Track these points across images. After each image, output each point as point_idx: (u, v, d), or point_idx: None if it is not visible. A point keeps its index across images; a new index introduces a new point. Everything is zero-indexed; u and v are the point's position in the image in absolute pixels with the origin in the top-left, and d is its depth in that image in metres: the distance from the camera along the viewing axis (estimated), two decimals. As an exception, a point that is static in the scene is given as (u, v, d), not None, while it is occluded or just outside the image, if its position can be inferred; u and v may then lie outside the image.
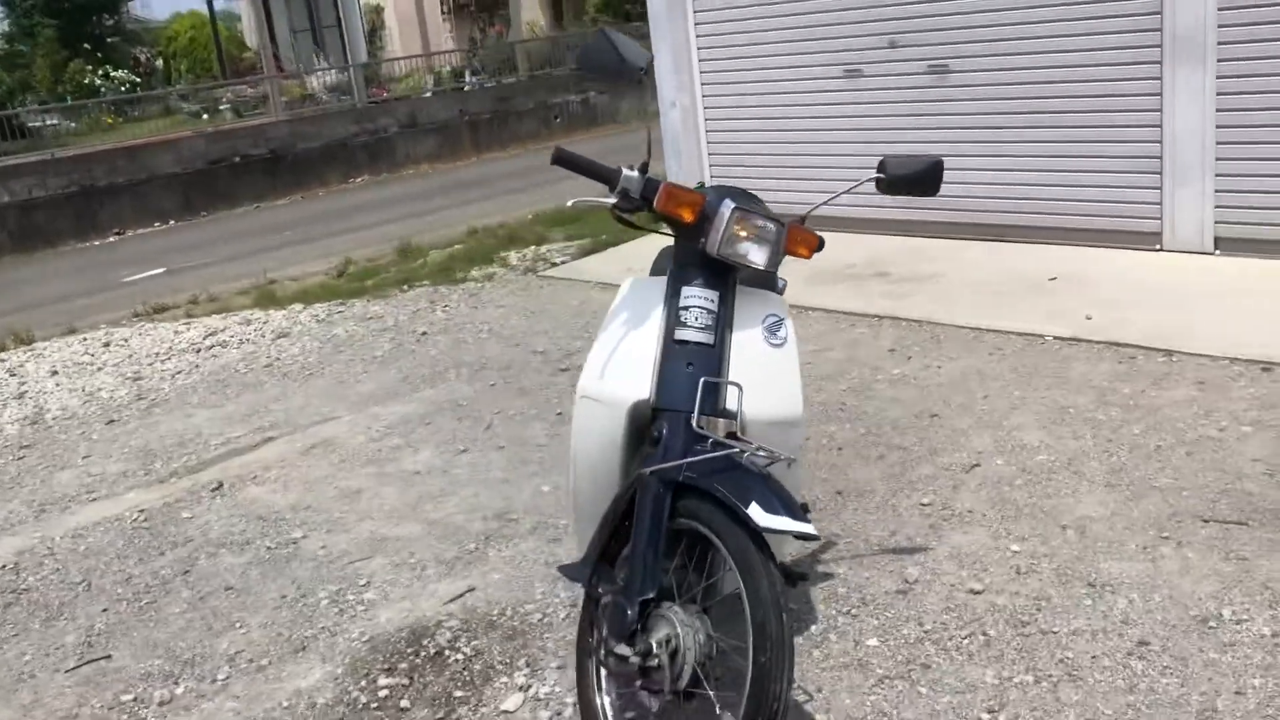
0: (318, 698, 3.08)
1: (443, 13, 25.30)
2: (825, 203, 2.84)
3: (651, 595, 2.43)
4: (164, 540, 4.21)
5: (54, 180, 14.94)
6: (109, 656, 3.43)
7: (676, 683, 2.38)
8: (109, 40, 31.50)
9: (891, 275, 6.55)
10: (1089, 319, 5.32)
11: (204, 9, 26.27)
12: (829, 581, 3.34)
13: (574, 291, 7.13)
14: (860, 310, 5.93)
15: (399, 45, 24.06)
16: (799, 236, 2.71)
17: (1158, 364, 4.72)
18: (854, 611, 3.17)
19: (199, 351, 6.89)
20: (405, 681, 3.10)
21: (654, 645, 2.38)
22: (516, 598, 3.46)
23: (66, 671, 3.38)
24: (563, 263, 8.06)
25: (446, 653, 3.21)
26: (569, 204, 2.65)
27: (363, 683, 3.12)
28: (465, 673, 3.11)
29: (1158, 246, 6.29)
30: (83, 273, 12.13)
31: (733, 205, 2.55)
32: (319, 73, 21.58)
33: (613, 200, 2.59)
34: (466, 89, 20.14)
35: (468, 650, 3.21)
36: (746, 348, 2.63)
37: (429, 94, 20.03)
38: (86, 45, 29.37)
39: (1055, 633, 2.96)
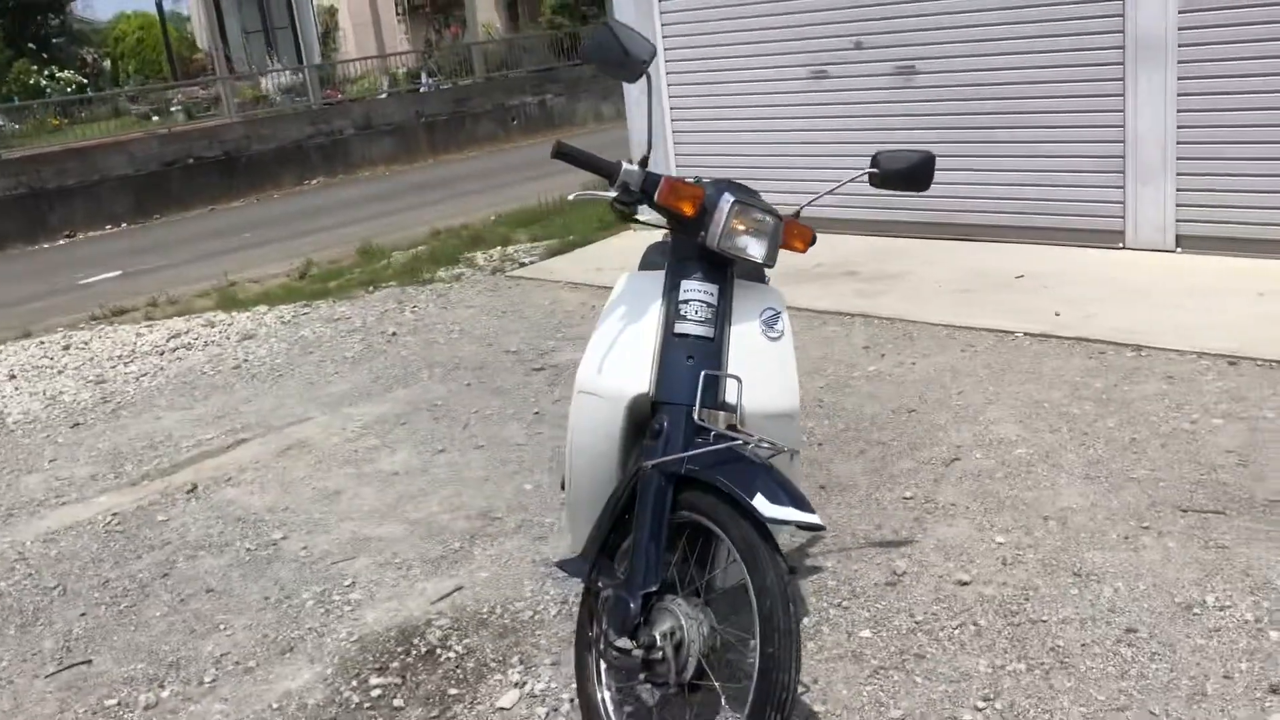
0: (308, 698, 3.05)
1: (397, 14, 25.13)
2: (819, 198, 2.87)
3: (654, 588, 2.43)
4: (140, 543, 4.14)
5: (1, 182, 14.64)
6: (89, 661, 3.37)
7: (681, 675, 2.38)
8: (54, 41, 30.92)
9: (860, 274, 6.61)
10: (1058, 316, 5.40)
11: (150, 9, 25.92)
12: (818, 574, 3.36)
13: (544, 292, 7.12)
14: (832, 309, 5.98)
15: (353, 47, 23.85)
16: (795, 230, 2.74)
17: (1127, 359, 4.80)
18: (845, 604, 3.19)
19: (163, 354, 6.79)
20: (398, 681, 3.08)
21: (658, 638, 2.39)
22: (506, 595, 3.45)
23: (46, 677, 3.31)
24: (531, 263, 8.04)
25: (438, 651, 3.19)
26: (570, 197, 2.65)
27: (354, 683, 3.09)
28: (458, 671, 3.09)
29: (1121, 245, 6.40)
30: (35, 276, 11.88)
31: (732, 199, 2.56)
32: (272, 74, 21.33)
33: (613, 194, 2.58)
34: (422, 90, 20.00)
35: (459, 648, 3.19)
36: (745, 341, 2.65)
37: (384, 95, 19.87)
38: (31, 45, 28.81)
39: (1044, 621, 3.00)
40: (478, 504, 4.14)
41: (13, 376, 6.66)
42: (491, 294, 7.29)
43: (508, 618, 3.33)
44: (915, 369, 5.00)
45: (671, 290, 2.63)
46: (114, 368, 6.62)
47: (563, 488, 3.19)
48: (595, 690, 2.64)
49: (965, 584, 3.22)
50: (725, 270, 2.65)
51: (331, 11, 24.27)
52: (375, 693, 3.03)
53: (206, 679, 3.20)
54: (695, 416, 2.49)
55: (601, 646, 2.57)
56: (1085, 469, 3.85)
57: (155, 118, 20.17)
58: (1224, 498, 3.55)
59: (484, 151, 18.55)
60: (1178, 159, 6.09)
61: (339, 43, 24.43)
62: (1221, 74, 5.87)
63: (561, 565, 2.81)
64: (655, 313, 2.64)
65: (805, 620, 3.11)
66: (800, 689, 2.81)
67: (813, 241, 2.80)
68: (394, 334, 6.56)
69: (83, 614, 3.67)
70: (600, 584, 2.60)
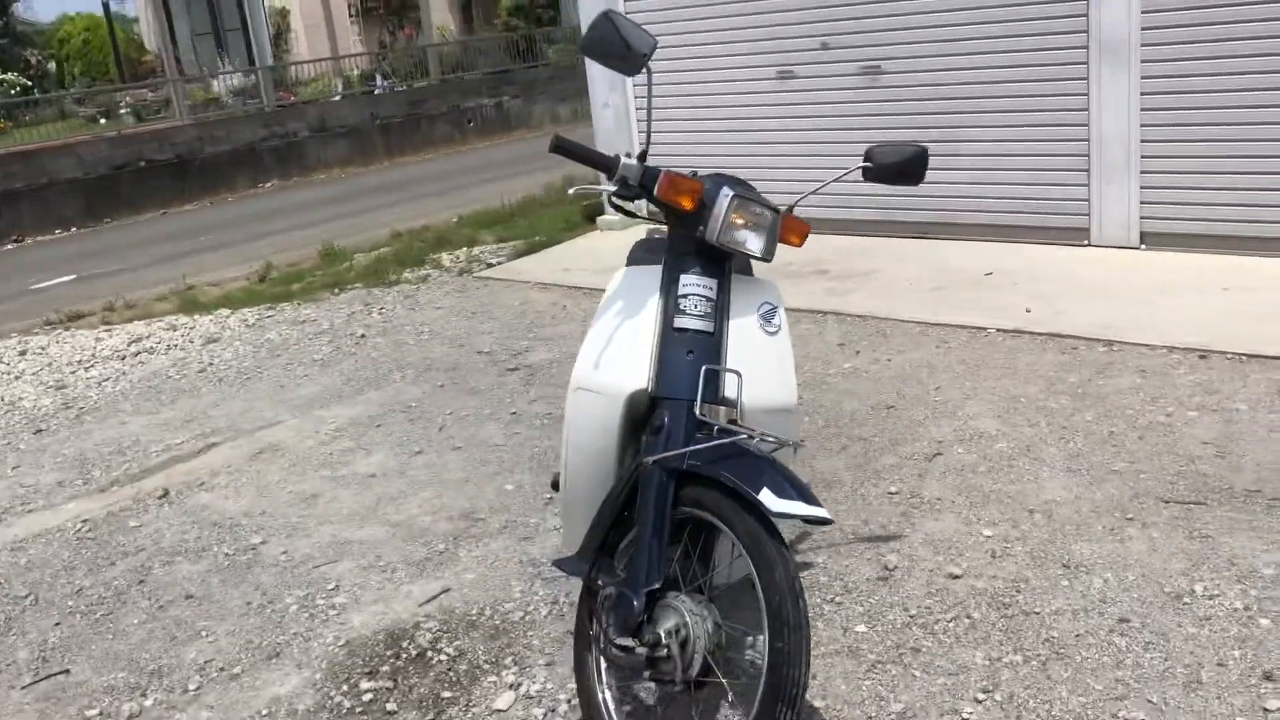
0: (298, 704, 2.99)
1: (350, 16, 24.88)
2: (813, 192, 2.87)
3: (658, 585, 2.41)
4: (113, 550, 4.05)
5: (-56, 186, 14.31)
6: (67, 671, 3.29)
7: (688, 672, 2.36)
8: (-3, 42, 30.28)
9: (830, 272, 6.63)
10: (1029, 312, 5.46)
11: (95, 10, 25.45)
12: (809, 570, 3.36)
13: (513, 292, 7.07)
14: (803, 306, 5.99)
15: (306, 49, 23.56)
16: (790, 224, 2.73)
17: (1100, 354, 4.86)
18: (838, 599, 3.19)
19: (124, 358, 6.66)
20: (389, 684, 3.03)
21: (663, 635, 2.36)
22: (495, 597, 3.41)
23: (23, 688, 3.23)
24: (498, 264, 7.99)
25: (429, 654, 3.15)
26: (570, 191, 2.62)
27: (344, 687, 3.04)
28: (451, 673, 3.05)
29: (1086, 242, 6.48)
30: (-16, 281, 11.64)
31: (731, 193, 2.55)
32: (224, 76, 21.04)
33: (612, 188, 2.56)
34: (377, 93, 19.82)
35: (451, 651, 3.15)
36: (743, 335, 2.64)
37: (338, 97, 19.65)
38: (-28, 47, 28.22)
39: (1038, 613, 3.02)
40: (459, 505, 4.09)
41: (-32, 383, 6.50)
42: (460, 295, 7.22)
43: (498, 619, 3.29)
44: (891, 365, 5.02)
45: (670, 285, 2.61)
46: (74, 373, 6.49)
47: (554, 486, 3.17)
48: (596, 689, 2.62)
49: (956, 577, 3.23)
50: (723, 265, 2.63)
51: (283, 13, 23.98)
52: (367, 697, 2.98)
53: (191, 686, 3.13)
54: (696, 411, 2.47)
55: (602, 645, 2.54)
56: (1066, 462, 3.89)
57: (103, 120, 19.83)
58: (1204, 488, 3.60)
59: (440, 154, 18.43)
60: (1141, 157, 6.18)
61: (291, 44, 24.14)
62: (1183, 73, 5.96)
63: (559, 564, 2.78)
64: (653, 308, 2.62)
65: (800, 616, 3.11)
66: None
67: (807, 235, 2.80)
68: (362, 336, 6.48)
69: (57, 623, 3.58)
70: (601, 582, 2.58)
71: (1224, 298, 5.37)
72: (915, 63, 6.89)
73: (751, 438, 2.42)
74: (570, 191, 2.63)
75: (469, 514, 4.01)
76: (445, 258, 8.45)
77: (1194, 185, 6.06)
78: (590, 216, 8.83)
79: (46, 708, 3.12)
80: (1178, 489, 3.61)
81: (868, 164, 2.83)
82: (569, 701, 2.83)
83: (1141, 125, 6.13)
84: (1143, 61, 6.04)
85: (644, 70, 2.49)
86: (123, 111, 19.91)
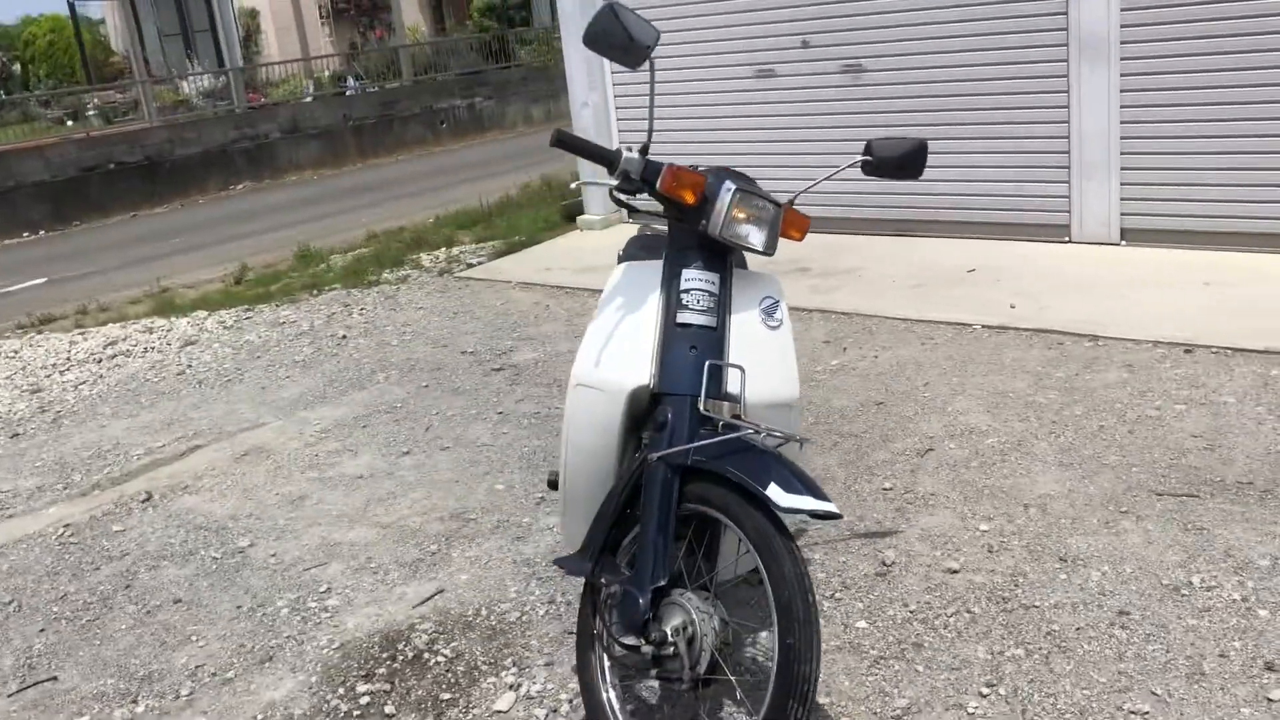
0: (294, 708, 2.95)
1: (321, 17, 24.71)
2: (812, 186, 2.86)
3: (664, 583, 2.39)
4: (97, 555, 3.98)
5: (-93, 189, 14.10)
6: (55, 678, 3.23)
7: (696, 669, 2.34)
8: (-40, 44, 29.92)
9: (812, 270, 6.63)
10: (1013, 308, 5.47)
11: (60, 10, 25.15)
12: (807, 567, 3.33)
13: (495, 292, 7.02)
14: (788, 304, 5.96)
15: (276, 50, 23.39)
16: (792, 218, 2.72)
17: (1085, 349, 4.88)
18: (837, 595, 3.18)
19: (100, 361, 6.57)
20: (386, 687, 2.99)
21: (669, 633, 2.34)
22: (490, 597, 3.38)
23: (9, 696, 3.16)
24: (479, 264, 7.94)
25: (426, 656, 3.11)
26: (572, 185, 2.60)
27: (340, 690, 3.00)
28: (449, 675, 3.01)
29: (1067, 238, 6.51)
30: (-49, 285, 11.46)
31: (733, 187, 2.54)
32: (193, 77, 20.85)
33: (614, 182, 2.54)
34: (349, 94, 19.70)
35: (448, 652, 3.11)
36: (745, 330, 2.62)
37: (310, 99, 19.52)
38: (-66, 49, 27.84)
39: (1037, 607, 3.02)
40: (450, 505, 4.05)
41: (-60, 387, 6.39)
42: (441, 295, 7.17)
43: (494, 619, 3.25)
44: (878, 362, 5.02)
45: (671, 280, 2.59)
46: (49, 376, 6.39)
47: (551, 485, 3.14)
48: (600, 689, 2.59)
49: (954, 572, 3.23)
50: (725, 259, 2.62)
51: (253, 14, 23.79)
52: (364, 700, 2.94)
53: (183, 692, 3.08)
54: (700, 407, 2.45)
55: (606, 644, 2.52)
56: (1058, 456, 3.90)
57: (70, 122, 19.61)
58: (1196, 481, 3.61)
59: (413, 155, 18.33)
60: (1121, 154, 6.21)
61: (261, 45, 23.96)
62: (1162, 71, 6.00)
63: (559, 563, 2.74)
64: (654, 303, 2.60)
65: (799, 613, 3.09)
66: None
67: (808, 230, 2.79)
68: (344, 337, 6.42)
69: (42, 629, 3.51)
70: (604, 580, 2.55)
71: (1205, 292, 5.41)
72: (896, 60, 6.90)
73: (757, 433, 2.40)
74: (571, 186, 2.61)
75: (460, 514, 3.97)
76: (425, 258, 8.39)
77: (1173, 182, 6.10)
78: (570, 216, 8.79)
79: (34, 716, 3.06)
80: (1170, 482, 3.62)
81: (868, 158, 2.82)
82: (570, 701, 2.80)
83: (1121, 122, 6.17)
84: (1122, 59, 6.08)
85: (647, 62, 2.47)
86: (90, 113, 19.69)
